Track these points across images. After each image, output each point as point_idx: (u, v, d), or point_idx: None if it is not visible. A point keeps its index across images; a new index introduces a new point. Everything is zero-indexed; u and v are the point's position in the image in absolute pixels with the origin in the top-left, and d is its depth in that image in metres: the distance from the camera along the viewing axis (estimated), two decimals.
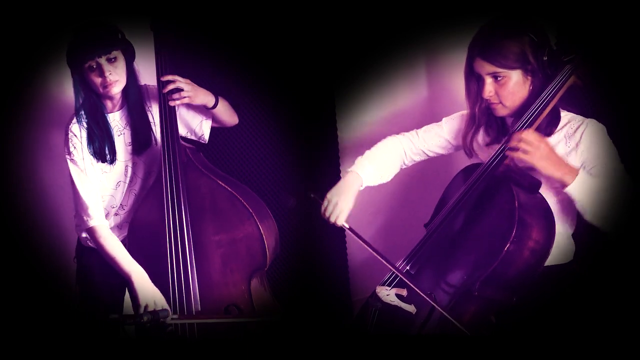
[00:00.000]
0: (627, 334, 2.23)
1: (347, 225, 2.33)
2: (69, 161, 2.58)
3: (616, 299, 2.32)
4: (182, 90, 2.52)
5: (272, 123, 3.03)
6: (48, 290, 3.06)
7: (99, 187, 2.61)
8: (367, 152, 2.52)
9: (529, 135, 2.14)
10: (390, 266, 2.23)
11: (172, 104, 2.53)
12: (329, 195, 2.38)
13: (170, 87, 2.52)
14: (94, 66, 2.47)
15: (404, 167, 2.59)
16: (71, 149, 2.57)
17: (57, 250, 3.03)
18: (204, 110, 2.67)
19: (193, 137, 2.72)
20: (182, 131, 2.69)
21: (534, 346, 2.15)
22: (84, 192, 2.56)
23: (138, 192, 2.68)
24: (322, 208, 2.37)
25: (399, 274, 2.23)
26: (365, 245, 2.25)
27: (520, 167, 2.24)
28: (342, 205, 2.35)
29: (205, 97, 2.59)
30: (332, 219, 2.35)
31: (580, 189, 2.13)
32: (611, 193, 2.14)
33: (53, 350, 2.65)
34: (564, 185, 2.14)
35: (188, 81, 2.55)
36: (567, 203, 2.28)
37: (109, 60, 2.48)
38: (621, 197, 2.15)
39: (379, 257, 2.23)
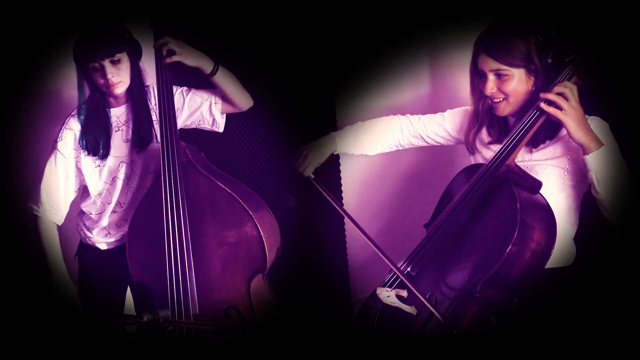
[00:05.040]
0: (628, 336, 2.23)
1: (312, 176, 2.41)
2: (53, 149, 2.61)
3: (617, 302, 2.32)
4: (169, 46, 2.48)
5: (272, 123, 3.03)
6: (48, 289, 3.06)
7: (65, 187, 2.63)
8: (359, 122, 2.58)
9: (570, 93, 2.14)
10: (379, 251, 2.24)
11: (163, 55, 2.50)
12: (301, 148, 2.47)
13: (160, 42, 2.48)
14: (98, 67, 2.48)
15: (400, 147, 2.59)
16: (59, 139, 2.60)
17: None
18: (210, 91, 2.63)
19: (206, 127, 2.69)
20: (194, 121, 2.67)
21: (534, 347, 2.16)
22: (44, 184, 2.60)
23: (135, 190, 2.67)
24: (293, 160, 2.46)
25: (396, 272, 2.24)
26: (331, 200, 2.31)
27: (521, 167, 2.24)
28: (310, 158, 2.43)
29: (200, 60, 2.52)
30: (300, 170, 2.43)
31: (600, 160, 2.13)
32: (620, 180, 2.15)
33: (53, 349, 2.65)
34: (587, 151, 2.14)
35: (180, 42, 2.51)
36: (569, 203, 2.29)
37: (113, 63, 2.48)
38: (621, 192, 2.15)
39: (364, 236, 2.28)
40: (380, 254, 2.25)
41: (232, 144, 3.06)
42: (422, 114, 2.59)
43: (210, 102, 2.64)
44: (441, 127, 2.54)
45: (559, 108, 2.14)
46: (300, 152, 2.45)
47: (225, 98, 2.63)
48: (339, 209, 2.35)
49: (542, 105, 2.17)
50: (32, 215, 2.63)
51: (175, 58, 2.50)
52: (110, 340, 2.49)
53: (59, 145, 2.60)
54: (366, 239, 2.28)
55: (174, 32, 2.57)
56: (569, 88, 2.14)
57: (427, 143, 2.58)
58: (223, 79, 2.58)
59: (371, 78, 3.07)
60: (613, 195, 2.15)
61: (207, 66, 2.54)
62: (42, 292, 3.04)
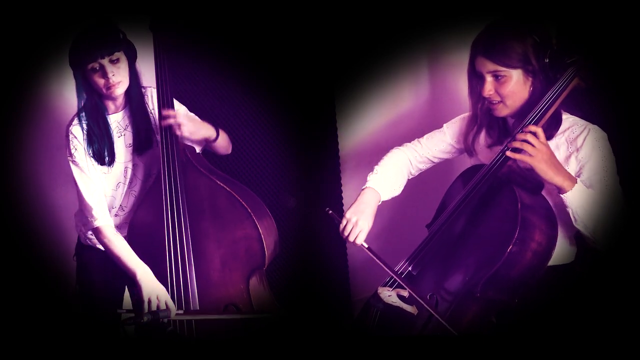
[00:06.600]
0: (628, 334, 2.24)
1: (366, 245, 2.31)
2: (70, 163, 2.57)
3: (617, 300, 2.32)
4: (181, 125, 2.50)
5: (272, 123, 3.03)
6: (48, 289, 3.06)
7: (101, 187, 2.61)
8: (377, 168, 2.50)
9: (532, 137, 2.14)
10: (403, 283, 2.23)
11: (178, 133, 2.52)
12: (348, 214, 2.35)
13: (170, 121, 2.50)
14: (97, 67, 2.46)
15: (411, 177, 2.58)
16: (72, 150, 2.56)
17: (57, 249, 3.03)
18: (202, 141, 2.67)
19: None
20: None
21: (534, 346, 2.16)
22: (87, 194, 2.55)
23: (138, 193, 2.67)
24: (341, 227, 2.34)
25: (399, 281, 2.23)
26: (381, 264, 2.25)
27: (523, 168, 2.24)
28: (362, 224, 2.33)
29: (206, 132, 2.59)
30: (351, 239, 2.33)
31: (576, 197, 2.14)
32: (602, 206, 2.16)
33: (53, 349, 2.65)
34: (562, 191, 2.15)
35: (189, 116, 2.53)
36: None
37: (112, 62, 2.47)
38: (611, 212, 2.16)
39: (393, 275, 2.25)
40: (397, 277, 2.25)
41: (232, 144, 3.05)
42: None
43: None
44: (444, 142, 2.53)
45: (526, 154, 2.14)
46: (348, 219, 2.33)
47: (209, 147, 2.68)
48: (394, 276, 2.25)
49: (509, 153, 2.18)
50: (92, 231, 2.59)
51: (185, 135, 2.53)
52: (110, 340, 2.49)
53: (77, 156, 2.56)
54: (391, 272, 2.26)
55: (174, 34, 2.58)
56: (531, 132, 2.15)
57: (434, 163, 2.58)
58: (220, 142, 2.65)
59: (371, 78, 3.07)
60: (595, 228, 2.16)
61: (211, 135, 2.61)
62: (41, 292, 3.05)
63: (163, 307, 2.41)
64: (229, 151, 2.77)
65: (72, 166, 2.57)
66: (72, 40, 2.48)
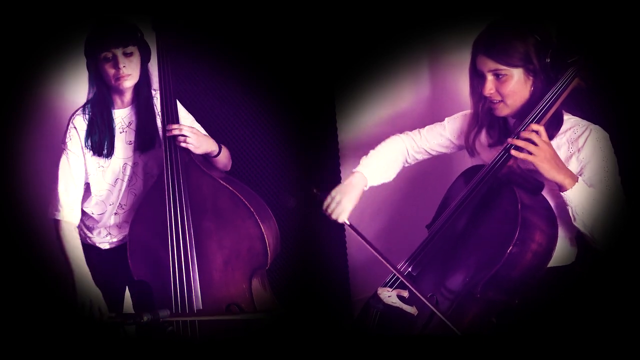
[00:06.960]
0: (628, 334, 2.24)
1: (348, 222, 2.35)
2: (63, 150, 2.60)
3: (617, 300, 2.32)
4: (186, 137, 2.51)
5: (272, 123, 3.03)
6: (48, 289, 3.06)
7: (81, 186, 2.62)
8: (372, 152, 2.53)
9: (535, 136, 2.14)
10: (389, 265, 2.24)
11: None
12: (332, 193, 2.40)
13: (175, 132, 2.50)
14: (110, 57, 2.49)
15: (407, 165, 2.60)
16: (67, 139, 2.60)
17: (57, 249, 3.02)
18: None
19: None
20: None
21: (535, 347, 2.16)
22: (62, 185, 2.59)
23: (138, 193, 2.68)
24: (325, 205, 2.39)
25: (397, 274, 2.24)
26: (366, 244, 2.26)
27: (523, 168, 2.24)
28: (344, 203, 2.37)
29: (209, 147, 2.59)
30: (334, 216, 2.37)
31: (576, 195, 2.14)
32: (603, 206, 2.15)
33: (53, 350, 2.65)
34: (562, 189, 2.15)
35: (194, 130, 2.54)
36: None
37: (125, 55, 2.49)
38: (611, 212, 2.16)
39: (378, 256, 2.25)
40: (383, 259, 2.25)
41: (232, 144, 3.06)
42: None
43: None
44: (443, 137, 2.54)
45: (529, 152, 2.14)
46: (332, 197, 2.38)
47: (210, 160, 2.69)
48: (377, 254, 2.26)
49: (513, 151, 2.17)
50: (52, 220, 2.62)
51: (189, 147, 2.53)
52: (110, 340, 2.49)
53: (69, 144, 2.60)
54: (377, 254, 2.25)
55: (176, 33, 2.58)
56: (534, 131, 2.15)
57: (431, 155, 2.59)
58: (221, 157, 2.66)
59: (371, 78, 3.08)
60: (594, 227, 2.16)
61: (214, 150, 2.62)
62: (41, 292, 3.05)
63: (96, 312, 2.47)
64: (228, 168, 2.76)
65: (63, 154, 2.60)
66: (91, 29, 2.51)
